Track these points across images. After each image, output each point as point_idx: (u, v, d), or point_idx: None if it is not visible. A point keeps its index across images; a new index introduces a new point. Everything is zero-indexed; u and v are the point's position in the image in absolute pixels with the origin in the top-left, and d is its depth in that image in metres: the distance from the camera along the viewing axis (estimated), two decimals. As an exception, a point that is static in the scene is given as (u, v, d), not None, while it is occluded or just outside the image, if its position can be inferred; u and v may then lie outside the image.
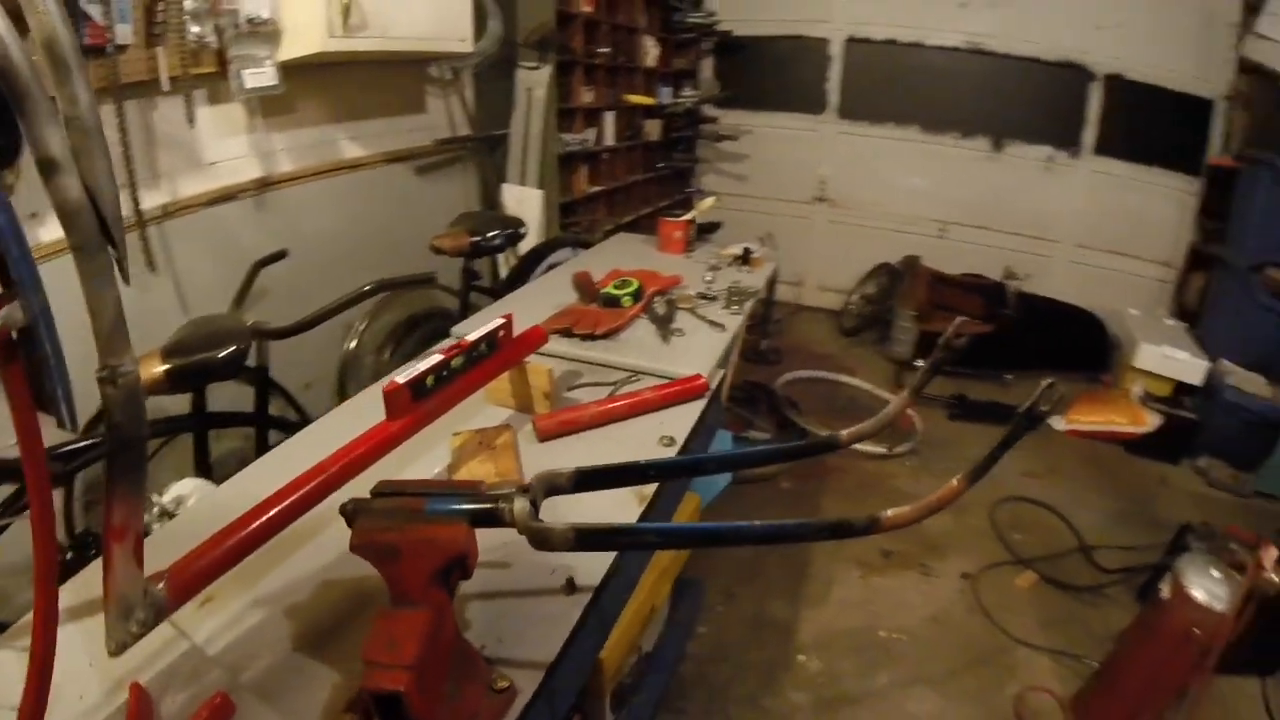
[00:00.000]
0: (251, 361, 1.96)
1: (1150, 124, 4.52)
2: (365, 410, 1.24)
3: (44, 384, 0.64)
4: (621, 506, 1.14)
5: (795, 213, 5.45)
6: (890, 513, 0.75)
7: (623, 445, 1.32)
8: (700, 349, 1.76)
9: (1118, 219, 4.72)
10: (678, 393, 1.49)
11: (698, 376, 1.53)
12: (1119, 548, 2.89)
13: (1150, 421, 3.74)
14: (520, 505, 0.71)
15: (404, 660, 0.66)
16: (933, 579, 2.73)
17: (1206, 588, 1.91)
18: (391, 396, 1.01)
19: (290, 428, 2.15)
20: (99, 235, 0.62)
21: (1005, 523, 3.08)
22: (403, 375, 1.03)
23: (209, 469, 1.97)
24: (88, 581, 0.92)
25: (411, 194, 3.28)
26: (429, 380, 1.07)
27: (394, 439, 1.01)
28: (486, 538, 0.81)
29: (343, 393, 2.88)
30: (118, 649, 0.74)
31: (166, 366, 1.52)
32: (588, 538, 0.69)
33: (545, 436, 1.32)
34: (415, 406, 1.05)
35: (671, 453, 1.32)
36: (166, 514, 1.45)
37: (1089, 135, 4.67)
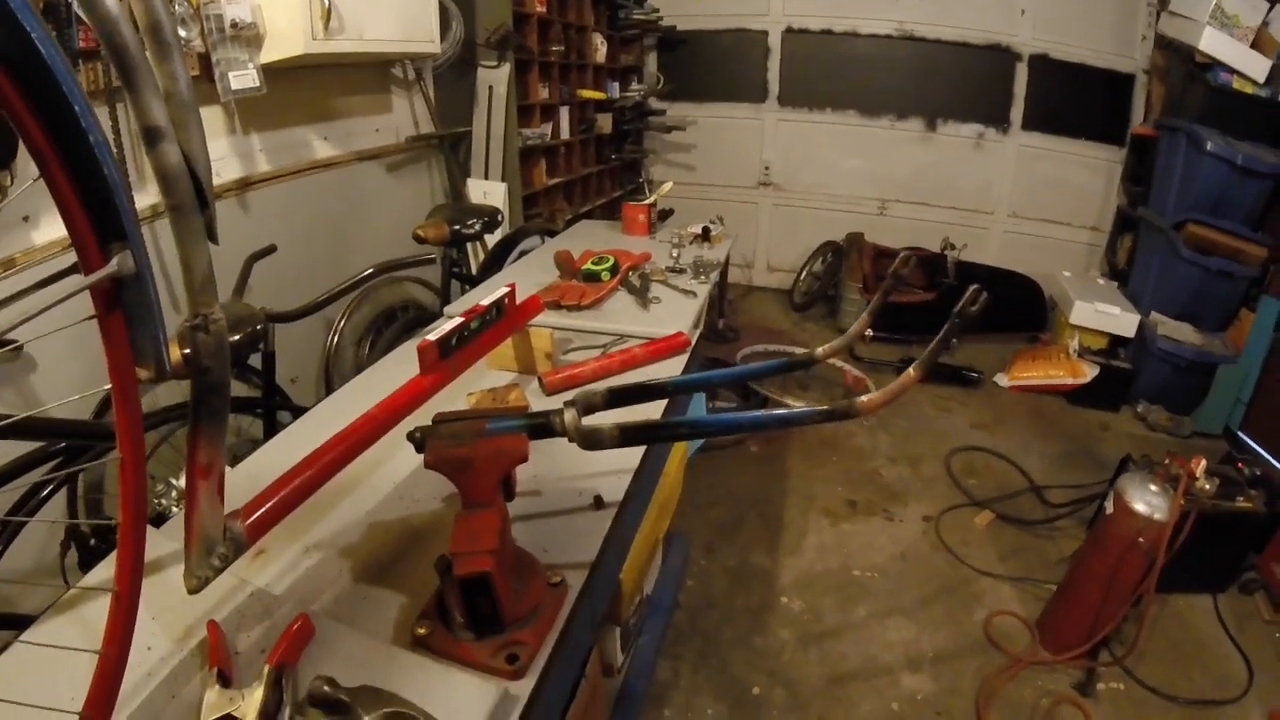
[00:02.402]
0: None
1: (1075, 99, 4.76)
2: (356, 397, 1.33)
3: (144, 332, 0.68)
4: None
5: (742, 198, 5.60)
6: (865, 399, 0.88)
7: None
8: (677, 312, 1.89)
9: (1047, 189, 4.96)
10: (664, 348, 1.60)
11: (680, 334, 1.65)
12: (1066, 486, 3.08)
13: (1087, 373, 3.95)
14: (570, 415, 0.81)
15: (486, 547, 0.75)
16: (897, 523, 2.89)
17: (1146, 500, 2.09)
18: (424, 352, 1.09)
19: (294, 411, 2.19)
20: (194, 198, 0.69)
21: (960, 470, 3.26)
22: (432, 335, 1.12)
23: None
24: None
25: (382, 190, 3.32)
26: (453, 340, 1.16)
27: (427, 391, 1.10)
28: (519, 471, 0.90)
29: (328, 385, 2.92)
30: (199, 584, 0.78)
31: (186, 350, 1.56)
32: (631, 433, 0.79)
33: (552, 391, 1.41)
34: (443, 364, 1.14)
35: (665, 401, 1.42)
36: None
37: (1017, 113, 4.89)
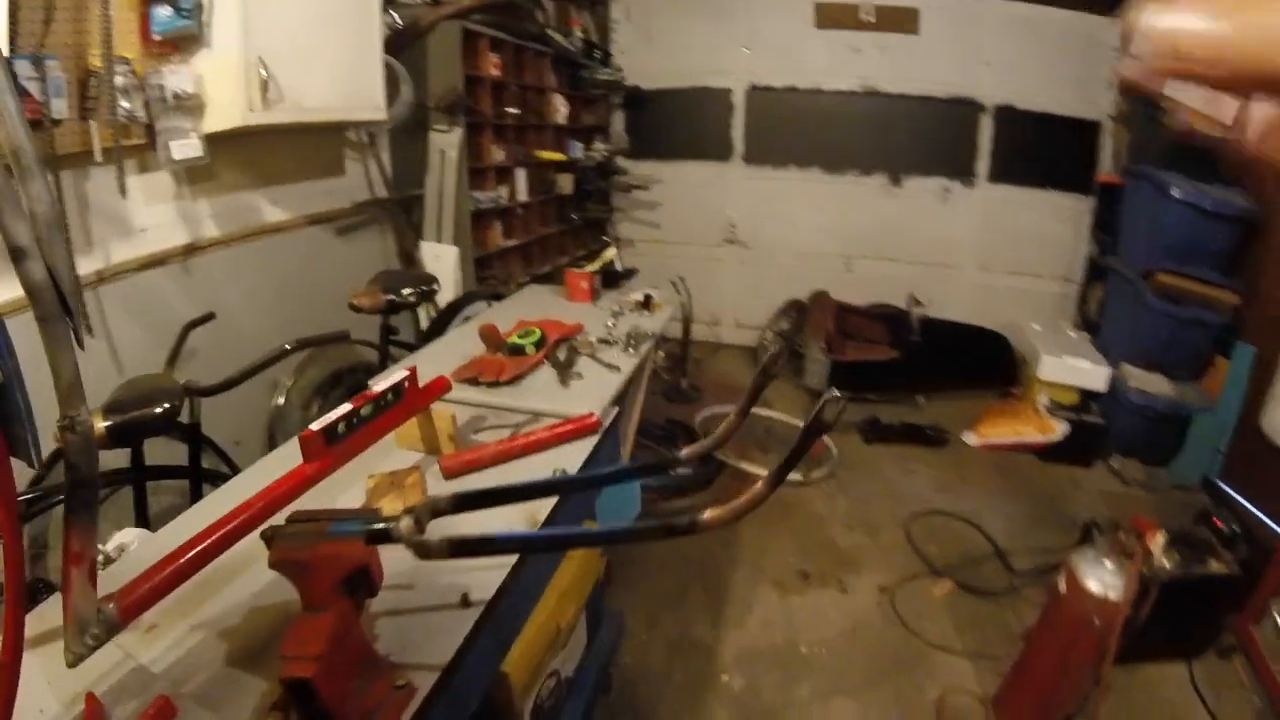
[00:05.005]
0: (185, 418, 2.13)
1: (1041, 149, 4.98)
2: (289, 459, 1.38)
3: (16, 432, 0.80)
4: (516, 528, 1.33)
5: (708, 255, 5.80)
6: (708, 514, 0.89)
7: (521, 479, 1.51)
8: (595, 390, 1.97)
9: (1016, 241, 5.16)
10: (572, 431, 1.68)
11: (590, 415, 1.73)
12: (1033, 550, 3.13)
13: (1058, 429, 4.06)
14: (406, 523, 0.88)
15: (312, 653, 0.83)
16: (850, 594, 2.94)
17: (1099, 578, 2.09)
18: (306, 442, 1.20)
19: (221, 479, 2.30)
20: (60, 309, 0.81)
21: (920, 536, 3.31)
22: (317, 424, 1.22)
23: (148, 519, 2.13)
24: (43, 617, 1.07)
25: (332, 254, 3.47)
26: (340, 427, 1.26)
27: (310, 480, 1.20)
28: (394, 565, 1.00)
29: (272, 446, 3.01)
30: (75, 660, 0.89)
31: (107, 423, 1.70)
32: (459, 546, 0.86)
33: (450, 475, 1.51)
34: (329, 451, 1.24)
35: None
36: (109, 560, 1.61)
37: (982, 164, 5.12)
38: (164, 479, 2.29)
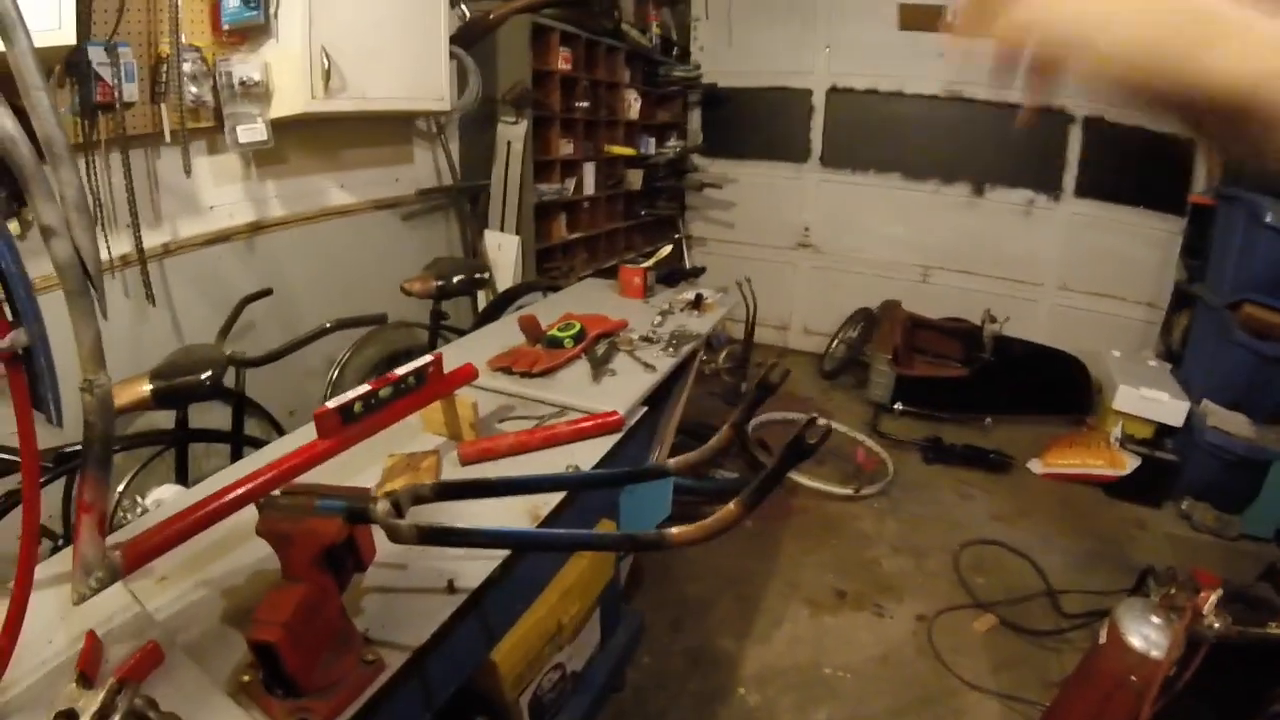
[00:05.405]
0: (231, 386, 2.31)
1: (1133, 165, 4.76)
2: (302, 441, 1.45)
3: (40, 390, 0.91)
4: (516, 523, 1.38)
5: (780, 258, 5.80)
6: (676, 531, 0.89)
7: (536, 472, 1.55)
8: (627, 388, 1.99)
9: (1100, 261, 4.98)
10: (593, 428, 1.72)
11: (614, 413, 1.76)
12: (1087, 592, 3.01)
13: (1127, 464, 3.90)
14: (383, 506, 0.94)
15: (279, 619, 0.89)
16: (886, 620, 2.89)
17: (1143, 634, 1.98)
18: (321, 419, 1.27)
19: (261, 445, 2.45)
20: (84, 283, 0.90)
21: (969, 565, 3.23)
22: (333, 402, 1.30)
23: (187, 477, 2.30)
24: (67, 558, 1.16)
25: (395, 239, 3.63)
26: (357, 407, 1.34)
27: (321, 456, 1.27)
28: (392, 545, 1.02)
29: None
30: (79, 600, 1.01)
31: (152, 387, 1.85)
32: (427, 534, 0.92)
33: (467, 461, 1.57)
34: (343, 429, 1.31)
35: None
36: (145, 511, 1.76)
37: (1070, 178, 4.94)
38: (206, 441, 2.45)
